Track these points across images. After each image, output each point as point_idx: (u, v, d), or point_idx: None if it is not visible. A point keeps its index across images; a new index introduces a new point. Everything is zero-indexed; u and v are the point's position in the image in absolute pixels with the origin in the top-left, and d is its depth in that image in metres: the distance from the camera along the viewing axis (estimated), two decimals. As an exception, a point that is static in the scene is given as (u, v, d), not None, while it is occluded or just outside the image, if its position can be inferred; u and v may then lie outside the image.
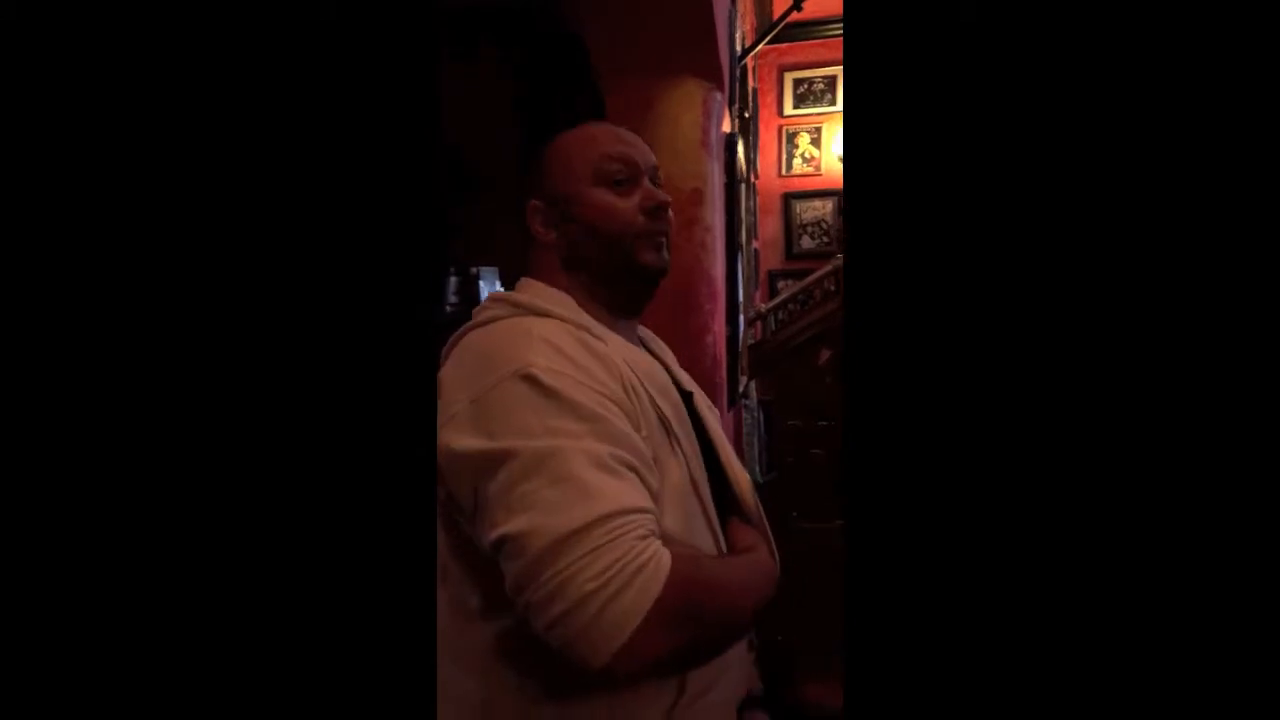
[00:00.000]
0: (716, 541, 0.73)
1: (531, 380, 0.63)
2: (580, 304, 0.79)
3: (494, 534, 0.60)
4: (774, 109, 4.46)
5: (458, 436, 0.63)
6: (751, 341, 3.35)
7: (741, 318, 2.74)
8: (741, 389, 2.88)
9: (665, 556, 0.59)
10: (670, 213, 0.84)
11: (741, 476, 0.83)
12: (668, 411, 0.73)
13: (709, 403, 0.90)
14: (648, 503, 0.62)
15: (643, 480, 0.64)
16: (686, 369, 2.42)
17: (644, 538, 0.59)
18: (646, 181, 0.83)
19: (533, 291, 0.80)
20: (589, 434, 0.62)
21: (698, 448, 0.76)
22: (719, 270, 2.28)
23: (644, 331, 0.94)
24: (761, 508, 0.84)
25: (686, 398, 0.84)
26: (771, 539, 0.81)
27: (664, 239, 0.83)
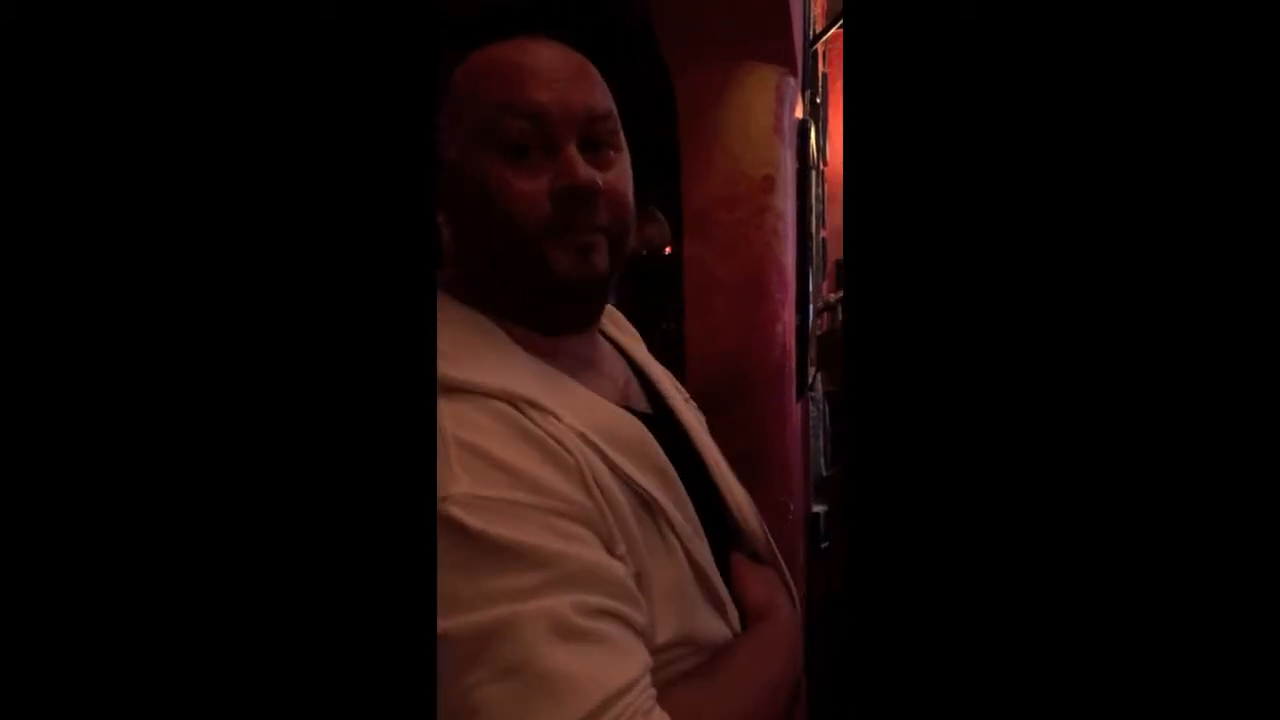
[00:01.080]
0: (725, 613, 0.58)
1: (451, 524, 0.45)
2: (506, 324, 0.57)
3: None
4: (844, 95, 4.36)
5: None
6: (819, 332, 3.29)
7: (811, 307, 2.70)
8: (809, 380, 2.83)
9: None
10: (617, 198, 0.57)
11: (741, 499, 0.67)
12: (651, 486, 0.54)
13: (696, 412, 0.73)
14: (636, 664, 0.46)
15: (627, 623, 0.48)
16: (756, 359, 2.38)
17: None
18: (571, 147, 0.54)
19: (442, 330, 0.51)
20: (544, 586, 0.44)
21: (689, 505, 0.58)
22: (790, 259, 2.25)
23: (606, 318, 0.70)
24: (765, 527, 0.69)
25: (666, 417, 0.66)
26: (783, 566, 0.67)
27: (597, 237, 0.56)
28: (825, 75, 3.86)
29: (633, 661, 0.46)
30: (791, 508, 2.23)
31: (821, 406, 3.52)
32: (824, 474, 3.41)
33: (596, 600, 0.46)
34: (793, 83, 2.24)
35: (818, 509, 2.91)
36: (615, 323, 0.74)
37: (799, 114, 2.43)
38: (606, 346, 0.69)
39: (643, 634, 0.49)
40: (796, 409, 2.43)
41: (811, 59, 2.97)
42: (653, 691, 0.47)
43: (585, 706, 0.42)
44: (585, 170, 0.54)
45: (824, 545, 2.69)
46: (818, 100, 3.29)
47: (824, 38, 3.10)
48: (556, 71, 0.55)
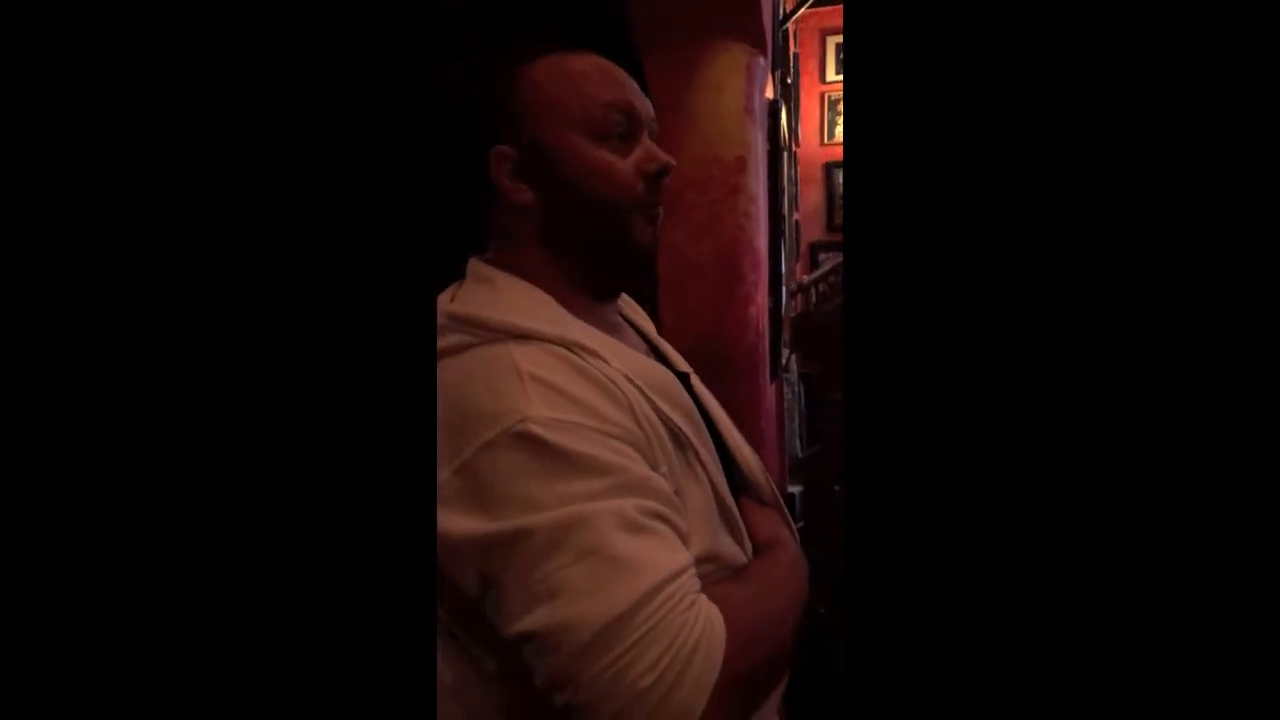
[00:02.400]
0: (741, 542, 0.68)
1: (530, 439, 0.53)
2: (557, 291, 0.66)
3: (516, 628, 0.52)
4: (815, 75, 4.36)
5: (448, 517, 0.53)
6: (792, 314, 3.31)
7: (784, 289, 2.71)
8: (783, 362, 2.85)
9: (718, 624, 0.53)
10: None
11: (748, 454, 0.77)
12: (682, 423, 0.64)
13: (701, 384, 0.82)
14: (685, 556, 0.56)
15: (674, 527, 0.57)
16: (729, 342, 2.38)
17: (691, 605, 0.53)
18: (646, 138, 0.68)
19: (499, 293, 0.65)
20: (609, 490, 0.53)
21: (711, 444, 0.68)
22: (762, 241, 2.25)
23: (621, 300, 0.81)
24: (772, 481, 0.77)
25: (683, 379, 0.75)
26: (786, 512, 0.76)
27: (659, 210, 0.69)
28: (796, 55, 3.85)
29: (682, 554, 0.56)
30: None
31: (796, 388, 3.54)
32: (799, 455, 3.44)
33: (651, 505, 0.55)
34: (763, 63, 2.23)
35: (793, 489, 2.94)
36: (629, 305, 0.84)
37: (769, 95, 2.42)
38: (624, 323, 0.79)
39: (685, 539, 0.58)
40: (771, 391, 2.44)
41: (782, 39, 2.96)
42: (698, 581, 0.56)
43: (649, 582, 0.51)
44: (663, 154, 0.68)
45: (799, 525, 2.72)
46: (788, 81, 3.28)
47: (794, 17, 3.09)
48: (630, 81, 0.69)
